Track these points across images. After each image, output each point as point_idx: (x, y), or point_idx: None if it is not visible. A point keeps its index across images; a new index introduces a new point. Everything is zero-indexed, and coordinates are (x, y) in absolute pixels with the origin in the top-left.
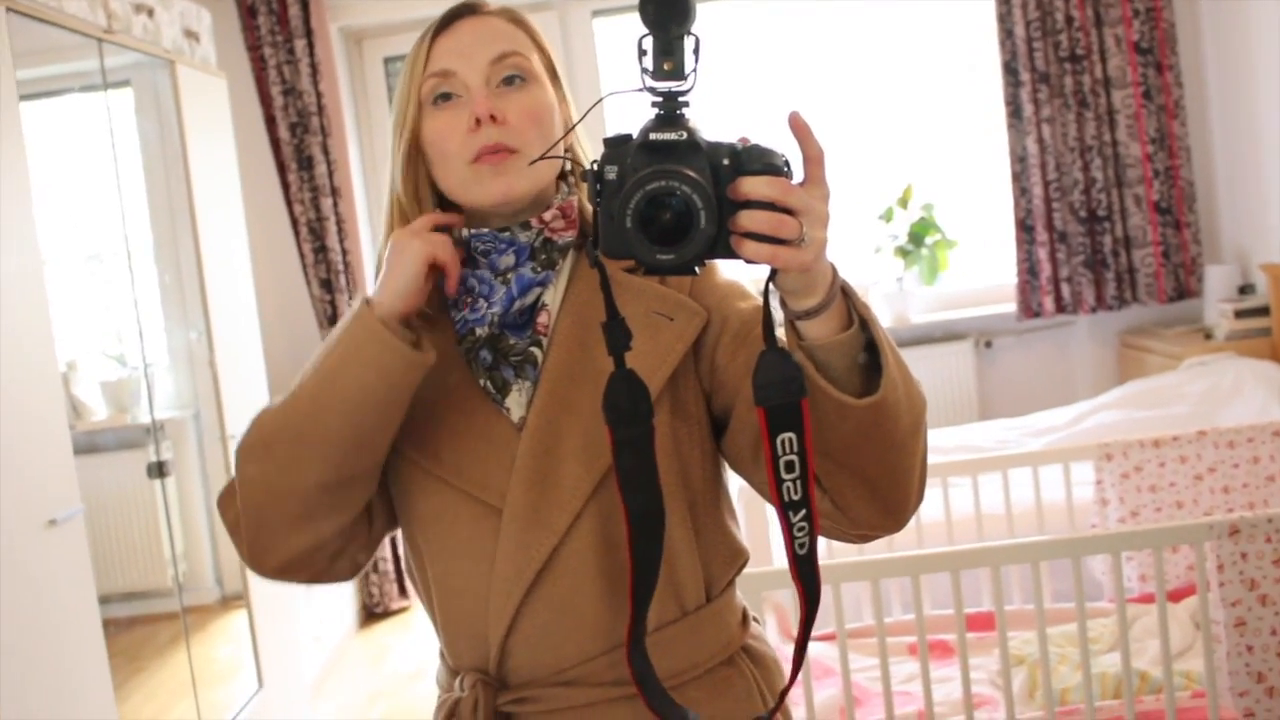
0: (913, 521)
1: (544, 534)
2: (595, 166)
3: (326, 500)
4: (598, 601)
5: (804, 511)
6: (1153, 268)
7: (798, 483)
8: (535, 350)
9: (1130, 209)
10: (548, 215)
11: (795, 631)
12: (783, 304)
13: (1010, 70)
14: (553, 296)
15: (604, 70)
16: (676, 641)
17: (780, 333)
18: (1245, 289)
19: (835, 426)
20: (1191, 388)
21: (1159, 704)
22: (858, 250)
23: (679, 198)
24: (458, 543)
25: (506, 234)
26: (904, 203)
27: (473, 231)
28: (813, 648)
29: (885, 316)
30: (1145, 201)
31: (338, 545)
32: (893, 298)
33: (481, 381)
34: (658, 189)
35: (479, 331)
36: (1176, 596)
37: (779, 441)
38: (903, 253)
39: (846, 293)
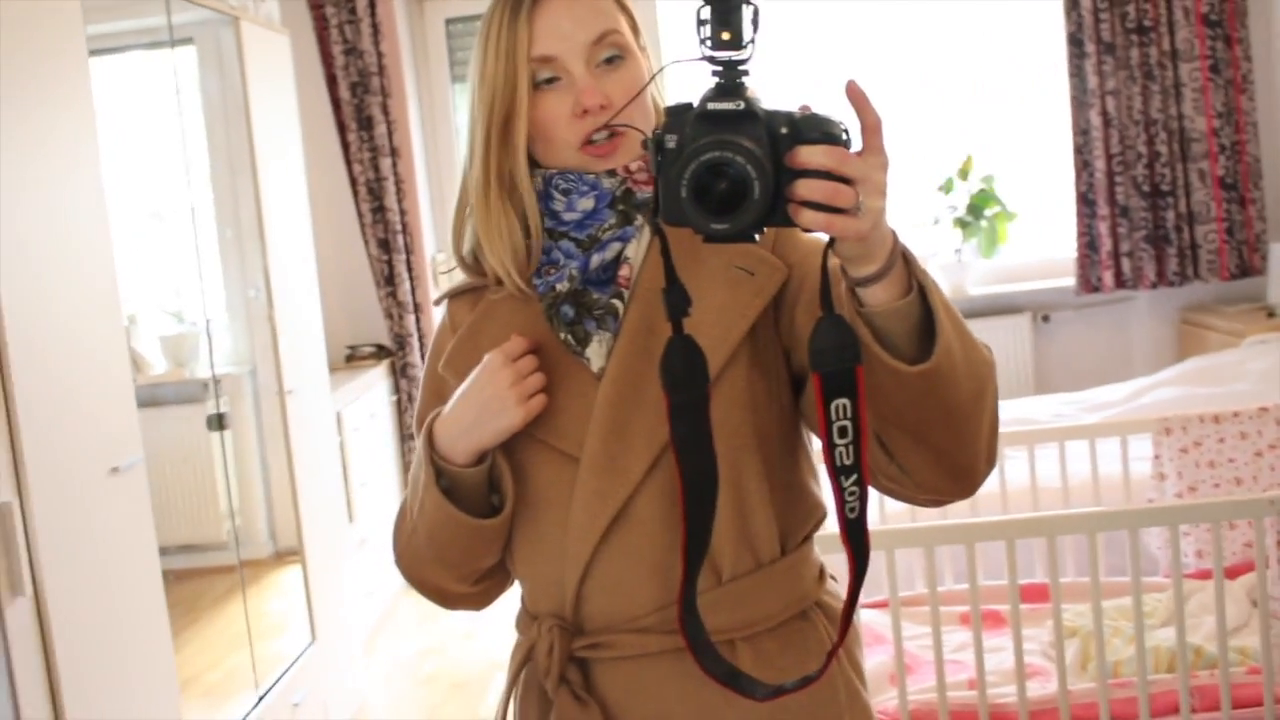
0: None
1: (619, 482)
2: (656, 135)
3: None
4: (671, 550)
5: (855, 476)
6: (1215, 244)
7: (850, 448)
8: (617, 303)
9: (1194, 184)
10: (633, 166)
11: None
12: (843, 271)
13: (1075, 41)
14: (635, 250)
15: (665, 40)
16: (750, 593)
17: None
18: None
19: (892, 393)
20: (1252, 365)
21: (1213, 679)
22: (916, 221)
23: (734, 167)
24: (537, 491)
25: (591, 176)
26: (964, 174)
27: (557, 171)
28: (864, 614)
29: (942, 288)
30: (1210, 177)
31: None
32: (950, 270)
33: (562, 335)
34: (713, 159)
35: (559, 288)
36: (1232, 574)
37: (833, 407)
38: (961, 224)
39: (907, 259)
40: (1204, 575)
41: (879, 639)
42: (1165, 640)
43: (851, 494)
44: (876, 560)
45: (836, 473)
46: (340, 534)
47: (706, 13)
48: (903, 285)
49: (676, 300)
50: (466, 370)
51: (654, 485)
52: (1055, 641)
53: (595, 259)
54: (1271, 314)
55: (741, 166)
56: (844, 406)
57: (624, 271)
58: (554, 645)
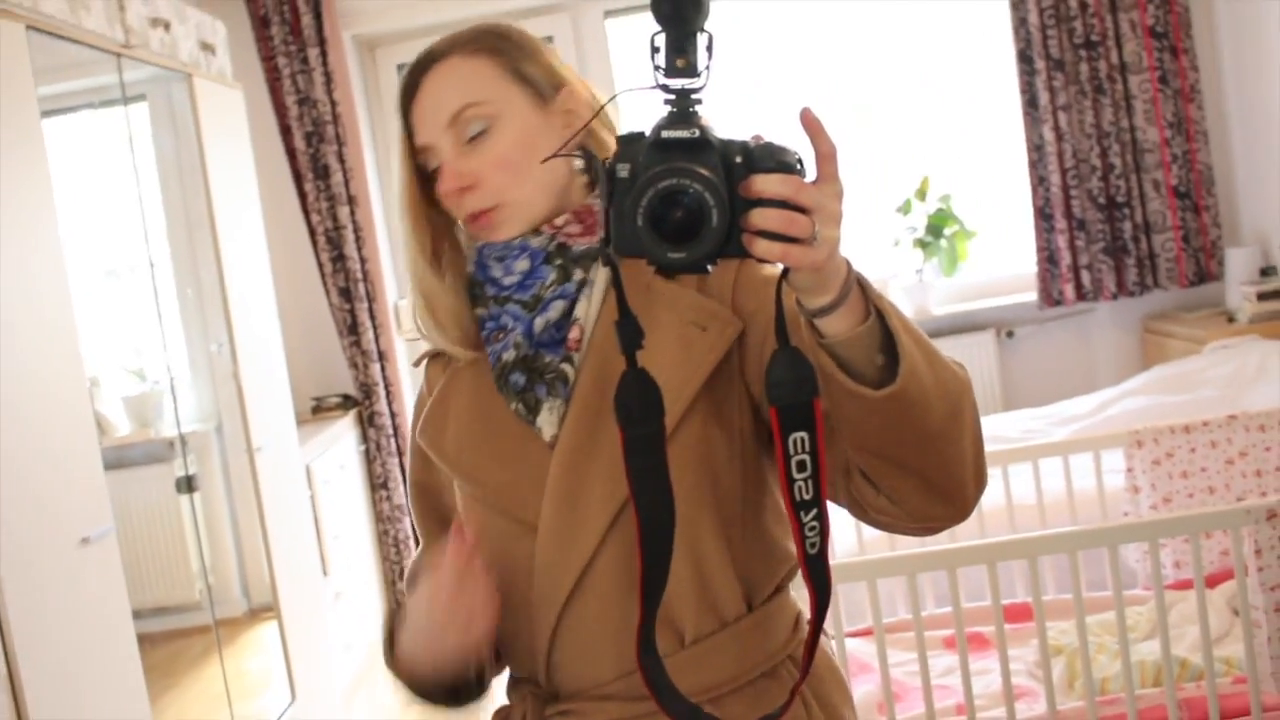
0: None
1: (575, 552)
2: (607, 164)
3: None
4: (632, 616)
5: (815, 511)
6: (1173, 252)
7: (809, 482)
8: (567, 368)
9: (1149, 194)
10: (559, 220)
11: (806, 629)
12: (798, 302)
13: (1025, 59)
14: (585, 310)
15: (617, 70)
16: (714, 654)
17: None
18: (1267, 271)
19: (863, 420)
20: (1216, 371)
21: (1200, 691)
22: (876, 243)
23: (691, 195)
24: (501, 560)
25: (517, 240)
26: (921, 194)
27: (483, 244)
28: (850, 644)
29: (905, 309)
30: (1164, 186)
31: None
32: (912, 290)
33: (513, 405)
34: (669, 186)
35: (505, 357)
36: (1211, 582)
37: (791, 441)
38: (921, 244)
39: (863, 286)
40: (1183, 585)
41: (864, 668)
42: (1150, 654)
43: (811, 529)
44: (858, 590)
45: (795, 508)
46: (315, 588)
47: (661, 40)
48: (860, 312)
49: (629, 332)
50: (439, 439)
51: (611, 551)
52: (1041, 661)
53: (538, 321)
54: (1231, 319)
55: (699, 194)
56: (802, 440)
57: (574, 334)
58: (527, 712)
